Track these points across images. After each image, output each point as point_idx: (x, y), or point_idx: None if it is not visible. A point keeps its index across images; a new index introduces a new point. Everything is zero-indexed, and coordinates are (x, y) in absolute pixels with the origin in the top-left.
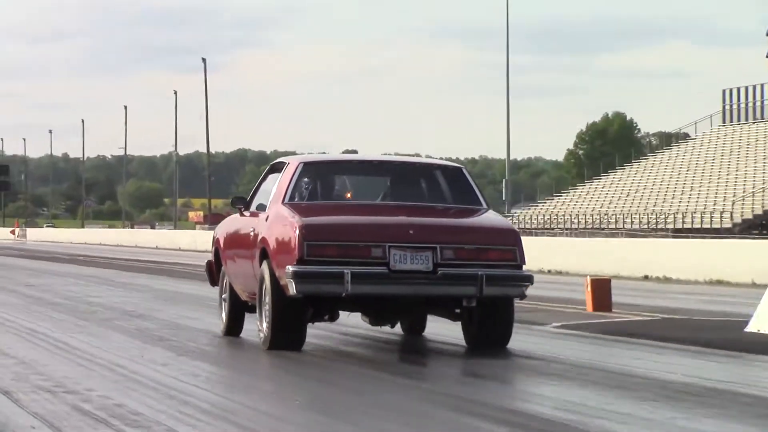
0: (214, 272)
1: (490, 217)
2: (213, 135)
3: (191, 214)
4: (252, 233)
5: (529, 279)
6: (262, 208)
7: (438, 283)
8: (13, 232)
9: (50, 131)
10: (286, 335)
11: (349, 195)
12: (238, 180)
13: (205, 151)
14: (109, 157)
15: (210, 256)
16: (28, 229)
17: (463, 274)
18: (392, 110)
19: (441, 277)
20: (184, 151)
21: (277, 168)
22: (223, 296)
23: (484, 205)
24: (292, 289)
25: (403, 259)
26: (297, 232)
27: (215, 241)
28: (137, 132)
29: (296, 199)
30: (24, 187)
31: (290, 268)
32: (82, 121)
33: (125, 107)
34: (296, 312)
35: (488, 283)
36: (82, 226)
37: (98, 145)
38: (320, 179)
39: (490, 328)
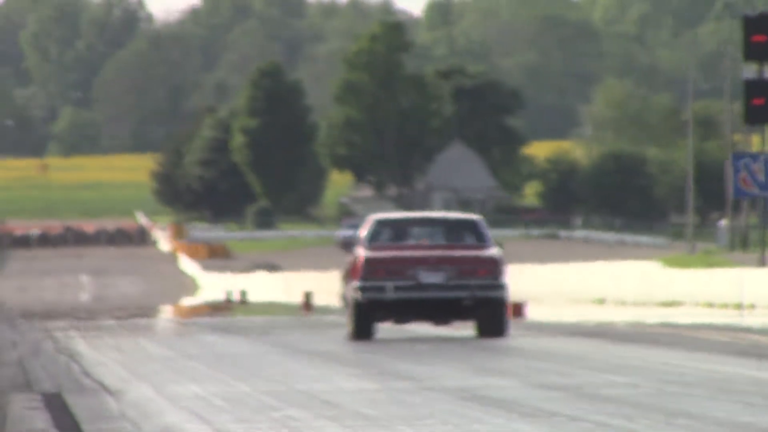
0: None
1: (485, 251)
2: None
3: None
4: (349, 264)
5: (503, 287)
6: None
7: (448, 290)
8: None
9: None
10: (360, 329)
11: (425, 241)
12: None
13: None
14: None
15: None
16: None
17: (463, 284)
18: None
19: (450, 287)
20: None
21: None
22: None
23: (491, 243)
24: (358, 296)
25: (427, 276)
26: (362, 261)
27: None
28: None
29: (370, 243)
30: None
31: (357, 283)
32: None
33: None
34: (365, 312)
35: (477, 289)
36: None
37: None
38: (387, 229)
39: (489, 324)
